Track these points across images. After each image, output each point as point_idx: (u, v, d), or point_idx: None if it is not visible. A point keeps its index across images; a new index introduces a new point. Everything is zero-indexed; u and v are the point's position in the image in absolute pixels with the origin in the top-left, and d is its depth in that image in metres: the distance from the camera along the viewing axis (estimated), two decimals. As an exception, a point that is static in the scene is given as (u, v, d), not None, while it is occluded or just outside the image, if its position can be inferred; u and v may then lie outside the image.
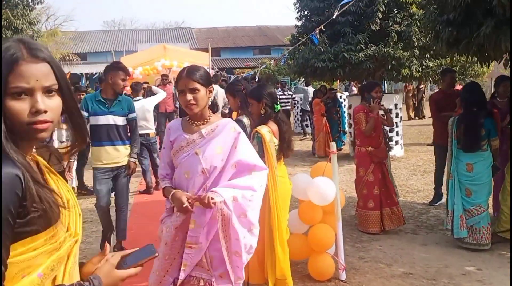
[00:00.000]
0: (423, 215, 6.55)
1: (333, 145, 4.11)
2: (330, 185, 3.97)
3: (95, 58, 33.22)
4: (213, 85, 2.80)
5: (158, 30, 42.52)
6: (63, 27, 32.05)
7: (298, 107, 16.73)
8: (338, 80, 18.52)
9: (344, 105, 14.88)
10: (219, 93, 9.73)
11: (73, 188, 8.57)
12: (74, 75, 19.21)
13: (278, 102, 3.99)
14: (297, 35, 11.50)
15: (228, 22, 73.81)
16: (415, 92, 17.65)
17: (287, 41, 34.31)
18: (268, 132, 3.80)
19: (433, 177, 7.37)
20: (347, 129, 13.38)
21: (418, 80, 11.66)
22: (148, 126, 7.84)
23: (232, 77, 16.58)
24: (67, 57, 19.86)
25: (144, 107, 7.74)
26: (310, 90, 16.36)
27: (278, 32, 40.84)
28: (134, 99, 7.86)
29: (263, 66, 18.77)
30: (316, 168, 4.45)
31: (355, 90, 25.69)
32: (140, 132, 7.86)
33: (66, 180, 8.10)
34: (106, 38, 38.13)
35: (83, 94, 8.33)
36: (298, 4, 11.33)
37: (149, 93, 10.57)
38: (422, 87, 18.29)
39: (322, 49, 10.00)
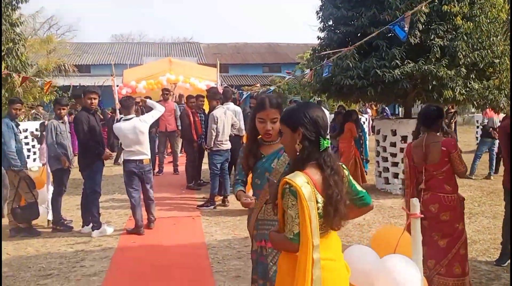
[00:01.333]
0: (494, 282, 4.97)
1: (415, 203, 2.56)
2: (411, 271, 2.44)
3: (99, 71, 32.00)
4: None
5: (165, 44, 41.38)
6: (65, 37, 30.77)
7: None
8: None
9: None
10: (229, 112, 8.28)
11: (48, 221, 7.07)
12: (65, 87, 17.75)
13: (327, 135, 2.45)
14: (319, 48, 10.05)
15: (237, 39, 72.81)
16: (445, 118, 15.71)
17: (298, 58, 33.24)
18: (307, 183, 2.23)
19: (489, 224, 5.89)
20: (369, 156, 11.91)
21: (457, 103, 10.17)
22: (141, 151, 6.35)
23: (245, 94, 15.07)
24: (62, 68, 18.41)
25: (136, 127, 6.27)
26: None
27: (288, 49, 39.59)
28: (124, 118, 6.40)
29: (290, 77, 17.05)
30: (381, 237, 2.88)
31: (369, 112, 24.20)
32: (132, 157, 6.40)
33: (38, 213, 6.62)
34: (111, 50, 36.97)
35: (63, 109, 6.88)
36: (321, 14, 9.91)
37: (146, 110, 9.16)
38: (452, 111, 16.40)
39: (351, 64, 8.53)
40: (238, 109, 9.04)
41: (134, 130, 6.22)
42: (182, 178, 11.24)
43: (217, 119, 7.78)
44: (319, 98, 16.83)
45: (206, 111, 10.59)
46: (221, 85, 17.11)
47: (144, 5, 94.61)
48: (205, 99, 10.16)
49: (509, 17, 5.78)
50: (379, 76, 8.44)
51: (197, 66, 22.34)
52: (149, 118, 6.46)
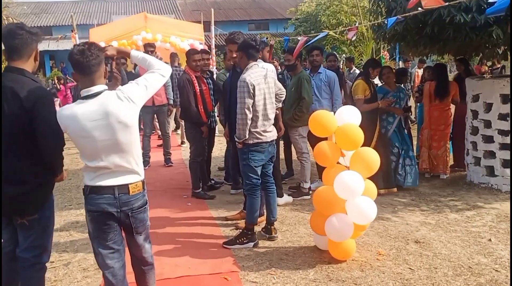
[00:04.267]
0: None
1: None
2: None
3: (62, 32, 27.68)
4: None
5: (136, 1, 36.77)
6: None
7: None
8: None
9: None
10: (270, 74, 4.78)
11: None
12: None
13: None
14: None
15: None
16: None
17: (289, 13, 29.33)
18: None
19: None
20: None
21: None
22: (124, 166, 2.72)
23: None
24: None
25: (111, 114, 2.65)
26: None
27: (275, 4, 35.70)
28: (84, 92, 2.83)
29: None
30: None
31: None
32: (102, 183, 2.42)
33: None
34: (75, 9, 32.38)
35: None
36: None
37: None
38: (496, 68, 13.38)
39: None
40: (272, 68, 5.45)
41: (106, 120, 2.67)
42: (179, 172, 7.83)
43: (253, 89, 4.28)
44: (348, 54, 13.43)
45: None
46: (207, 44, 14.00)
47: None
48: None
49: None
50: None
51: (178, 22, 19.72)
52: (140, 91, 2.86)
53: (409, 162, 6.52)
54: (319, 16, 22.75)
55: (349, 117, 4.13)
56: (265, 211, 4.88)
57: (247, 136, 4.35)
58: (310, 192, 6.21)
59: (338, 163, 4.13)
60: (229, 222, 5.23)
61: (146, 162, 8.34)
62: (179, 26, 14.69)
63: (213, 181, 6.79)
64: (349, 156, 4.08)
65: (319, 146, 4.12)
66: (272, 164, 4.71)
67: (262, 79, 4.43)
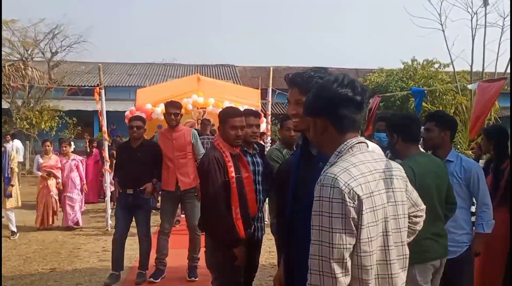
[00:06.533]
0: None
1: None
2: None
3: (115, 94, 26.58)
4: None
5: (195, 66, 35.74)
6: (74, 51, 25.52)
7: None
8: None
9: None
10: (397, 173, 1.98)
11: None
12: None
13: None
14: None
15: (276, 62, 64.48)
16: None
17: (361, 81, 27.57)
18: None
19: None
20: None
21: None
22: None
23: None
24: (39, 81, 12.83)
25: None
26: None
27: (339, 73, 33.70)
28: None
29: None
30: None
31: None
32: None
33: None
34: (132, 71, 31.63)
35: None
36: None
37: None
38: None
39: None
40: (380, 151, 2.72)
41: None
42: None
43: (357, 208, 1.58)
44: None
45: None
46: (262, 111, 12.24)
47: (176, 33, 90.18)
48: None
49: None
50: None
51: (233, 86, 18.52)
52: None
53: None
54: (390, 87, 20.82)
55: None
56: None
57: None
58: None
59: None
60: None
61: (160, 271, 5.67)
62: (234, 91, 13.71)
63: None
64: None
65: None
66: None
67: (380, 179, 1.71)
